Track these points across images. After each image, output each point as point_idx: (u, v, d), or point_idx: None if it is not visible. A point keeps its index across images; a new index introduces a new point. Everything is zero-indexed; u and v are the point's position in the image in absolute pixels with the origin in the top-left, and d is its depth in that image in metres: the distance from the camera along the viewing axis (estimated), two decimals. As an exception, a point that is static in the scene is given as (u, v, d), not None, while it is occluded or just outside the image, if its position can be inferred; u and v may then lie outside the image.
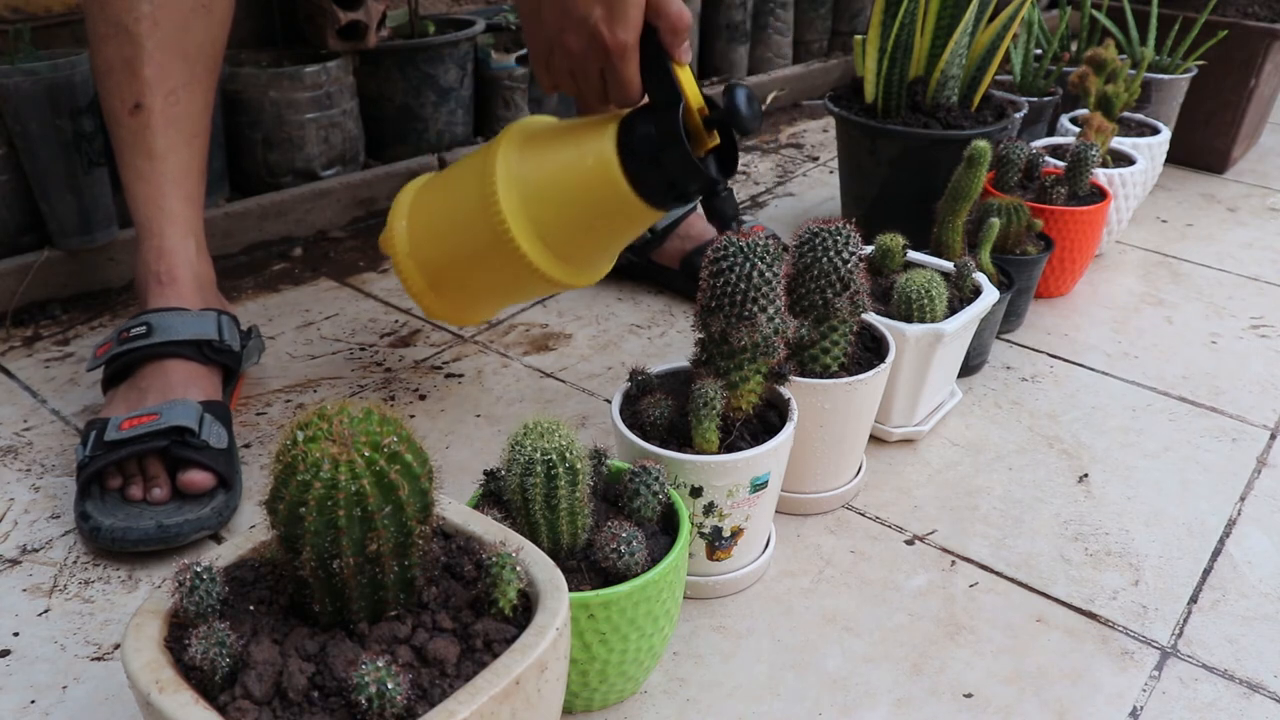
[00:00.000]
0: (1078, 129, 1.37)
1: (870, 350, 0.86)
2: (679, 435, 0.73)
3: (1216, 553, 0.84)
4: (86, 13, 0.88)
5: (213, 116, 0.94)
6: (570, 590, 0.55)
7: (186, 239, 0.92)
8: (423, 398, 1.02)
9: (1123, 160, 1.33)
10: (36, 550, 0.80)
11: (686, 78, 0.78)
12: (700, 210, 1.43)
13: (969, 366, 1.06)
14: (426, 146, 1.49)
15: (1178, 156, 1.71)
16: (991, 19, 1.22)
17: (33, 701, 0.67)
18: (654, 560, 0.62)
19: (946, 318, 0.90)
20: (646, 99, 0.81)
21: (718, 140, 0.81)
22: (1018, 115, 1.30)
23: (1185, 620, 0.77)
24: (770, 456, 0.72)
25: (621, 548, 0.60)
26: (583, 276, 0.88)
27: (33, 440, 0.93)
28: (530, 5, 0.81)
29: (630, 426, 0.73)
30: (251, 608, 0.51)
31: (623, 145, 0.79)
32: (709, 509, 0.72)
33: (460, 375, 1.06)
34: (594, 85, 0.81)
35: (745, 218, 1.48)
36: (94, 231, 1.14)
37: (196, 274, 0.92)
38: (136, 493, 0.80)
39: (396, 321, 1.16)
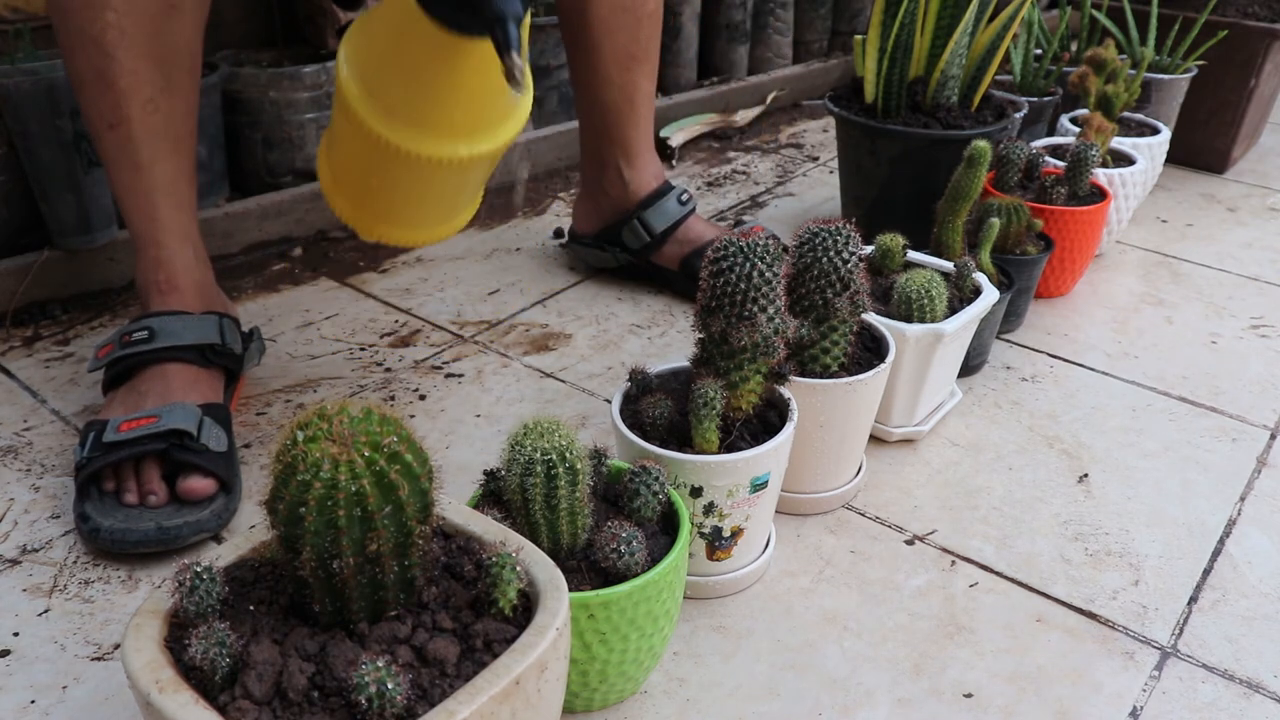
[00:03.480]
0: (1078, 129, 1.36)
1: (870, 350, 0.86)
2: (679, 435, 0.73)
3: (1216, 553, 0.84)
4: (53, 24, 0.84)
5: (197, 117, 0.92)
6: (570, 590, 0.55)
7: (184, 245, 0.91)
8: (423, 398, 1.02)
9: (1123, 160, 1.33)
10: (36, 550, 0.80)
11: None
12: (699, 212, 1.43)
13: (969, 366, 1.06)
14: (426, 146, 1.49)
15: (1178, 156, 1.71)
16: (991, 19, 1.22)
17: (33, 701, 0.67)
18: (654, 560, 0.62)
19: (946, 318, 0.90)
20: None
21: None
22: (1018, 115, 1.30)
23: (1185, 620, 0.77)
24: (770, 456, 0.72)
25: (621, 548, 0.60)
26: (444, 145, 0.78)
27: (33, 440, 0.93)
28: None
29: (630, 426, 0.73)
30: (251, 608, 0.51)
31: None
32: (709, 509, 0.72)
33: (460, 375, 1.06)
34: None
35: (745, 218, 1.48)
36: (94, 231, 1.14)
37: (197, 279, 0.92)
38: (132, 497, 0.80)
39: (396, 321, 1.16)
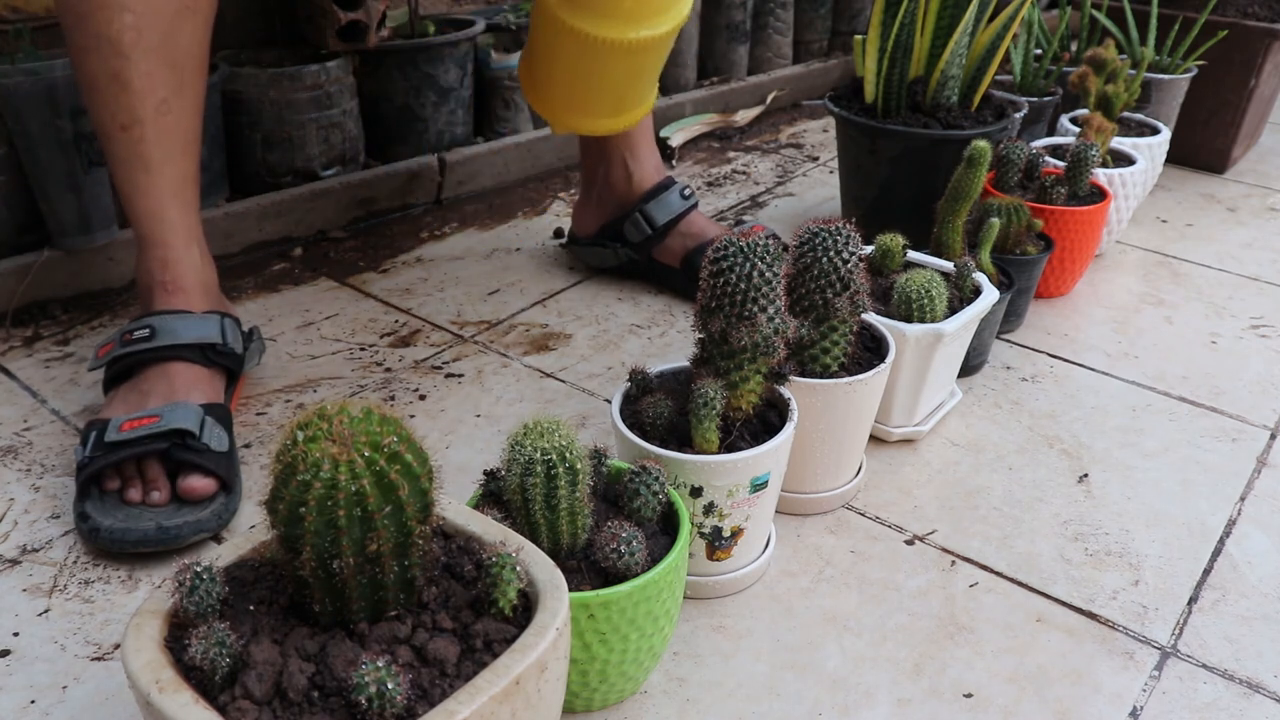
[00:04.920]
0: (1078, 129, 1.36)
1: (870, 350, 0.86)
2: (679, 435, 0.73)
3: (1216, 553, 0.84)
4: (64, 26, 0.84)
5: (203, 118, 0.93)
6: (570, 590, 0.55)
7: (190, 247, 0.91)
8: (423, 398, 1.02)
9: (1123, 160, 1.33)
10: (36, 550, 0.80)
11: None
12: (700, 209, 1.43)
13: (969, 366, 1.06)
14: (426, 146, 1.49)
15: (1178, 156, 1.71)
16: (991, 19, 1.22)
17: (33, 701, 0.67)
18: (654, 560, 0.62)
19: (946, 318, 0.90)
20: None
21: None
22: (1018, 115, 1.30)
23: (1185, 620, 0.77)
24: (770, 456, 0.72)
25: (621, 548, 0.60)
26: (619, 28, 0.97)
27: (33, 440, 0.93)
28: None
29: (630, 426, 0.73)
30: (251, 608, 0.51)
31: None
32: (709, 509, 0.72)
33: (460, 375, 1.06)
34: None
35: (745, 218, 1.48)
36: (94, 231, 1.14)
37: (203, 280, 0.92)
38: (135, 495, 0.80)
39: (396, 321, 1.16)
